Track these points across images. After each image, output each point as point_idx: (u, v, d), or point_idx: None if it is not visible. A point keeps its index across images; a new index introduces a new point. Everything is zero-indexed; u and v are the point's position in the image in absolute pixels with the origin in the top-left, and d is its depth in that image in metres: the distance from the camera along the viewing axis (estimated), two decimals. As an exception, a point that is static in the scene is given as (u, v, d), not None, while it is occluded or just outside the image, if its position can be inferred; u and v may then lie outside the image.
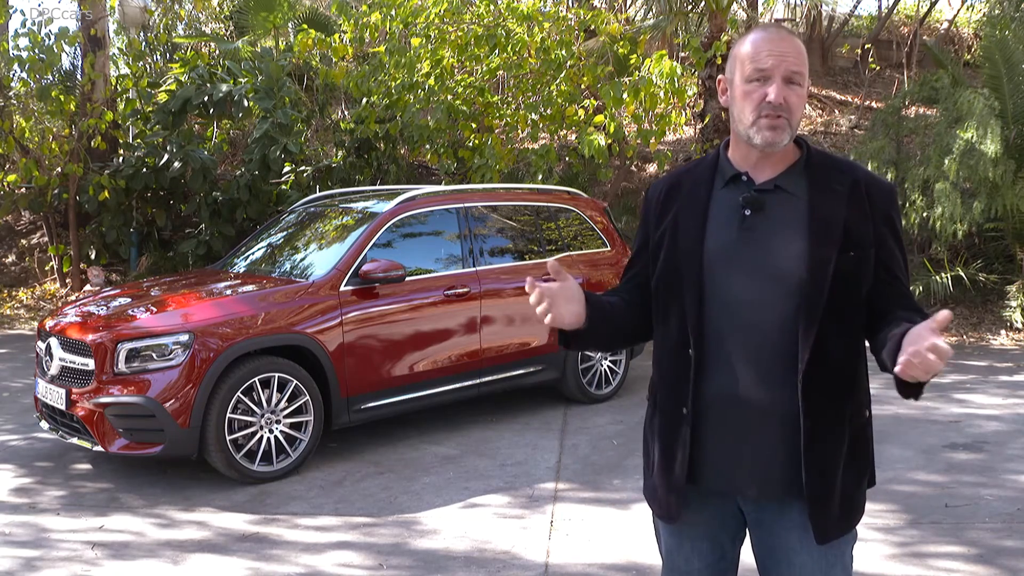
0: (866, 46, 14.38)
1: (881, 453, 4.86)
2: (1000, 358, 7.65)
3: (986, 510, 4.16)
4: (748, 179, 1.86)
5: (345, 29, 9.62)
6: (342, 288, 5.08)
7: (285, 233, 6.08)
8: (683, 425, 1.86)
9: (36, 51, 9.85)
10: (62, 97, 10.15)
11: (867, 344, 1.88)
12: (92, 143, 10.16)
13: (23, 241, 11.99)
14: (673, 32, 11.22)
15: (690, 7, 11.40)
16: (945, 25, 15.46)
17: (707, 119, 10.17)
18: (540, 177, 8.91)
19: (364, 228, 5.39)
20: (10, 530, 4.08)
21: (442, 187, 6.83)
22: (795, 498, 1.82)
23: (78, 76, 11.57)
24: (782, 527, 1.86)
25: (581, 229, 6.55)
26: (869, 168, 8.53)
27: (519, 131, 9.88)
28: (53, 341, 4.86)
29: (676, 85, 8.54)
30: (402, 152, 10.51)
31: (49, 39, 9.94)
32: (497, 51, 9.03)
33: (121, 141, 10.93)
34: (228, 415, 4.58)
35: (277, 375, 4.74)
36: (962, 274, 8.64)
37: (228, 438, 4.57)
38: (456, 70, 9.61)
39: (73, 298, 9.87)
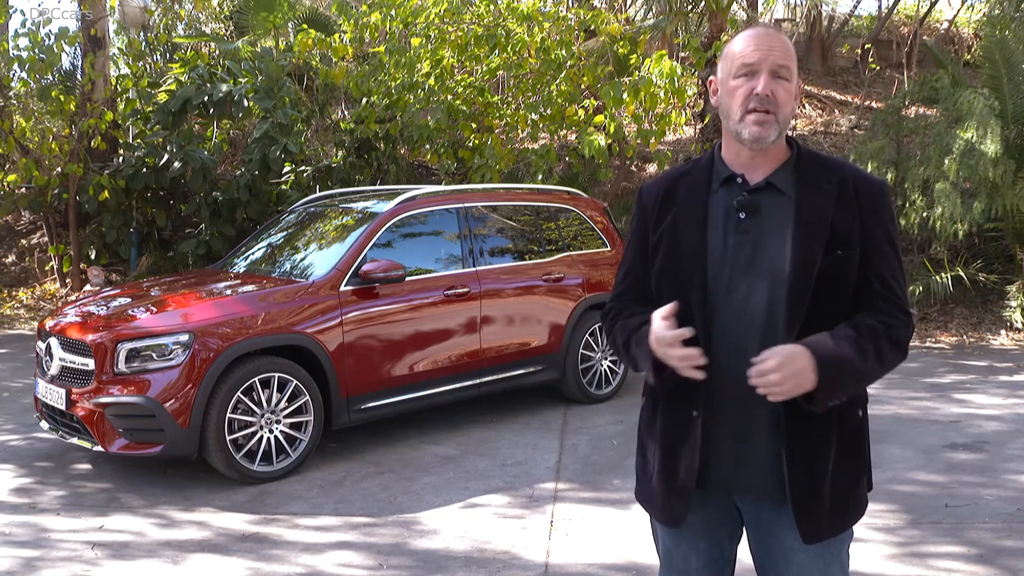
0: (866, 46, 14.38)
1: (881, 453, 4.88)
2: (1000, 358, 7.65)
3: (986, 510, 4.16)
4: (743, 181, 1.87)
5: (345, 29, 9.62)
6: (342, 288, 5.08)
7: (285, 233, 6.08)
8: (693, 428, 1.85)
9: (36, 51, 9.85)
10: (62, 97, 10.15)
11: None
12: (92, 143, 10.16)
13: (23, 241, 11.99)
14: (673, 32, 11.22)
15: (690, 7, 11.40)
16: (945, 25, 15.46)
17: (707, 119, 10.16)
18: (540, 177, 8.91)
19: (364, 228, 5.39)
20: (10, 530, 4.08)
21: (442, 187, 6.83)
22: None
23: (78, 76, 11.57)
24: (779, 526, 1.86)
25: (581, 229, 6.55)
26: (869, 168, 8.60)
27: (519, 131, 9.88)
28: (53, 341, 4.86)
29: (676, 85, 8.54)
30: (402, 152, 10.51)
31: (49, 39, 9.95)
32: (497, 51, 9.03)
33: (121, 141, 10.93)
34: (228, 415, 4.57)
35: (277, 375, 4.74)
36: (962, 274, 8.64)
37: (228, 438, 4.57)
38: (456, 70, 9.61)
39: (73, 298, 9.87)
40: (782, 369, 1.68)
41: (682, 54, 12.20)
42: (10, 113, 10.39)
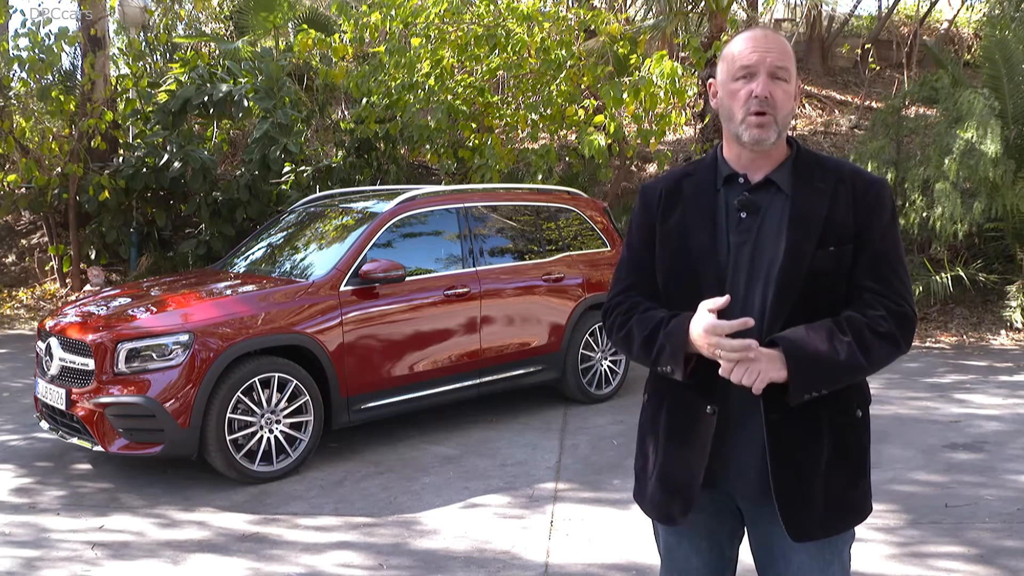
0: (866, 46, 14.38)
1: (881, 453, 4.88)
2: (1000, 358, 7.65)
3: (986, 510, 4.16)
4: (744, 181, 1.88)
5: (345, 29, 9.62)
6: (342, 288, 5.08)
7: (285, 233, 6.08)
8: (706, 426, 1.85)
9: (36, 51, 9.85)
10: (62, 97, 10.16)
11: None
12: (92, 143, 10.16)
13: (23, 241, 11.99)
14: (673, 32, 11.22)
15: (690, 7, 11.41)
16: (945, 25, 15.47)
17: (707, 119, 10.17)
18: (540, 177, 8.91)
19: (364, 228, 5.39)
20: (10, 530, 4.08)
21: (442, 187, 6.83)
22: None
23: (78, 76, 11.57)
24: (778, 525, 1.85)
25: (581, 229, 6.55)
26: (868, 168, 8.59)
27: (519, 131, 9.88)
28: (53, 341, 4.86)
29: (676, 85, 8.54)
30: (402, 152, 10.51)
31: (49, 39, 9.95)
32: (497, 51, 9.03)
33: (121, 141, 10.93)
34: (228, 415, 4.57)
35: (277, 375, 4.74)
36: (962, 274, 8.64)
37: (228, 438, 4.57)
38: (456, 70, 9.61)
39: (73, 298, 9.87)
40: (744, 352, 1.69)
41: (682, 54, 12.20)
42: (10, 113, 10.40)
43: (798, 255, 1.79)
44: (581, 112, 9.13)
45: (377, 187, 7.63)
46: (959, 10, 15.19)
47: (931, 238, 8.85)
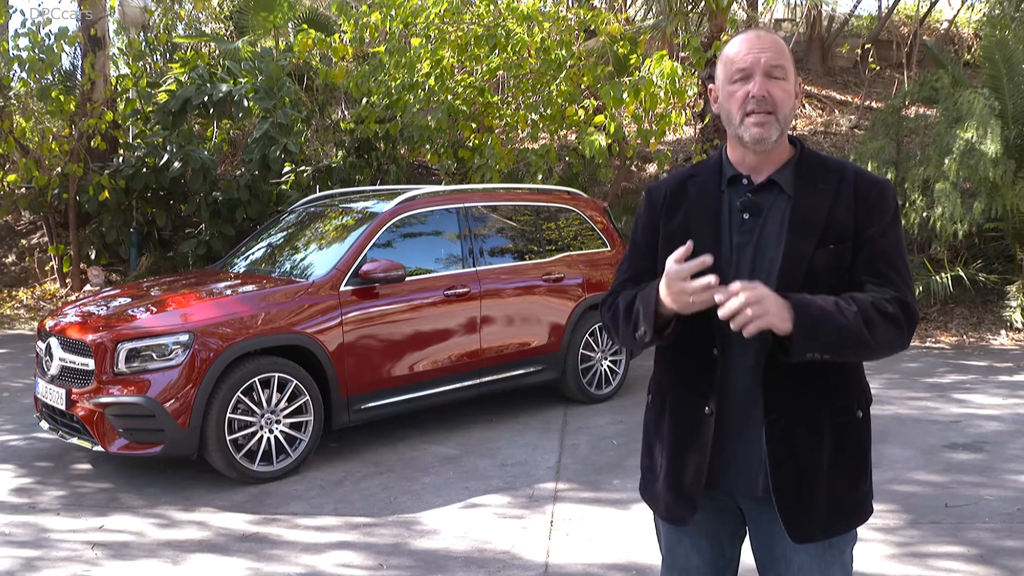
0: (866, 46, 14.38)
1: (881, 453, 4.88)
2: (1000, 358, 7.65)
3: (986, 510, 4.16)
4: (748, 181, 1.88)
5: (345, 29, 9.62)
6: (342, 288, 5.08)
7: (285, 233, 6.08)
8: (705, 426, 1.85)
9: (36, 51, 9.85)
10: (62, 97, 10.15)
11: None
12: (92, 143, 10.16)
13: (23, 241, 11.99)
14: (673, 32, 11.22)
15: (690, 7, 11.41)
16: (945, 25, 15.47)
17: (707, 119, 10.17)
18: (540, 177, 8.91)
19: (364, 228, 5.39)
20: (10, 530, 4.08)
21: (442, 187, 6.83)
22: None
23: (78, 76, 11.57)
24: (778, 526, 1.85)
25: (581, 229, 6.55)
26: (869, 168, 8.59)
27: (519, 131, 9.88)
28: (53, 341, 4.86)
29: (676, 85, 8.54)
30: (402, 152, 10.51)
31: (49, 39, 9.94)
32: (497, 51, 9.03)
33: (121, 141, 10.93)
34: (228, 415, 4.58)
35: (277, 375, 4.74)
36: (962, 274, 8.64)
37: (228, 438, 4.57)
38: (456, 70, 9.61)
39: (73, 298, 9.88)
40: (747, 292, 1.64)
41: (682, 54, 12.21)
42: (10, 113, 10.40)
43: (797, 257, 1.79)
44: (581, 112, 9.13)
45: (377, 187, 7.63)
46: (959, 10, 15.19)
47: (931, 238, 8.84)
